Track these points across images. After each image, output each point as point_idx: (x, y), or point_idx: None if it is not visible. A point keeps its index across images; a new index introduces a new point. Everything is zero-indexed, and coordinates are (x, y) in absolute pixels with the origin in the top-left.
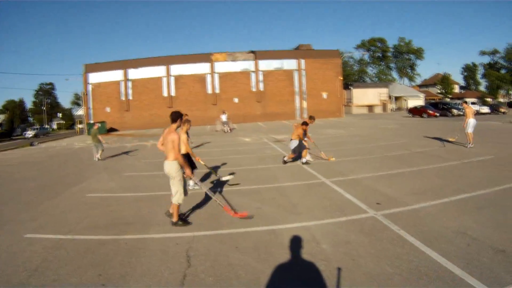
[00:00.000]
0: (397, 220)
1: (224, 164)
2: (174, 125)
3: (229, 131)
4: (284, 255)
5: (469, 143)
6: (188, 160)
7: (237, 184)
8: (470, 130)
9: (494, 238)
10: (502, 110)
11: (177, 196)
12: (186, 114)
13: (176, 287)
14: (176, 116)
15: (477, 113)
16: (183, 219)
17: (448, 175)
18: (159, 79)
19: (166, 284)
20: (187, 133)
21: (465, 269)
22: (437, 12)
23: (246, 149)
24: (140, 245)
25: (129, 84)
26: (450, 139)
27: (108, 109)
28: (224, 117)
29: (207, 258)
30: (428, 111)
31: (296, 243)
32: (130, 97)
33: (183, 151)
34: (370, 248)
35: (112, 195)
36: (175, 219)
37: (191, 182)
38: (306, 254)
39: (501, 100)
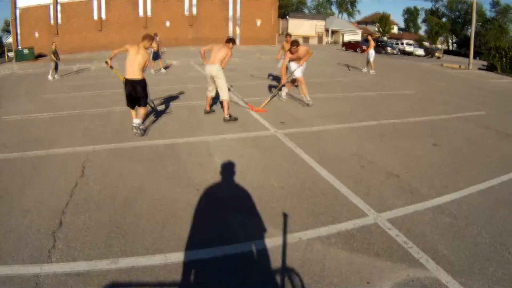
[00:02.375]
0: (296, 139)
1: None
2: (230, 44)
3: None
4: (175, 165)
5: (371, 70)
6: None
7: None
8: (371, 59)
9: (390, 164)
10: (437, 55)
11: (225, 93)
12: (156, 34)
13: (65, 195)
14: (229, 40)
15: (411, 54)
16: (231, 116)
17: (362, 103)
18: (89, 1)
19: (58, 192)
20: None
21: (352, 188)
22: None
23: (170, 71)
24: (43, 160)
25: (58, 7)
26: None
27: (36, 35)
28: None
29: (100, 169)
30: (362, 46)
31: (189, 155)
32: (60, 21)
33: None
34: (262, 162)
35: (27, 116)
36: (226, 114)
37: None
38: (197, 164)
39: (439, 46)
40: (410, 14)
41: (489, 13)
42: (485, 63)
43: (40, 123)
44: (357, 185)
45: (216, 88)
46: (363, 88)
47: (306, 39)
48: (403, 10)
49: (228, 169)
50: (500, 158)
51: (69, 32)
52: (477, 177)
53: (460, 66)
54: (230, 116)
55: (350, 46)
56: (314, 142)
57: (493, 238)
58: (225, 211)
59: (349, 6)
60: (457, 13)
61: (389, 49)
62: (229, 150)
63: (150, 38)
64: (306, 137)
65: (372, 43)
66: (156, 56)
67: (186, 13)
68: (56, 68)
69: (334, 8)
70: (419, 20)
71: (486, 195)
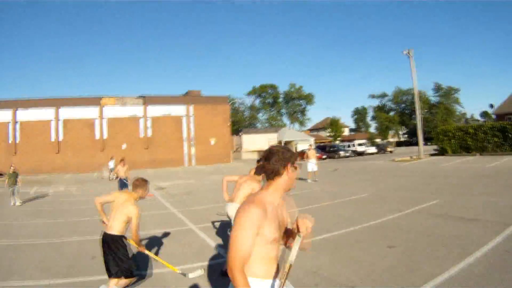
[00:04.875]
0: None
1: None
2: (259, 177)
3: (114, 178)
4: None
5: (309, 179)
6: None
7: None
8: (309, 169)
9: (345, 276)
10: (389, 149)
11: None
12: (122, 160)
13: None
14: (261, 170)
15: (364, 154)
16: None
17: (317, 215)
18: (47, 123)
19: None
20: None
21: None
22: (325, 58)
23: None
24: None
25: (17, 126)
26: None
27: None
28: (111, 163)
29: None
30: (316, 154)
31: None
32: (18, 140)
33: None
34: None
35: None
36: None
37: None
38: None
39: (391, 139)
40: (359, 114)
41: (434, 98)
42: (437, 147)
43: None
44: None
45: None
46: (318, 199)
47: (261, 152)
48: (352, 111)
49: None
50: (457, 244)
51: (27, 153)
52: (434, 271)
53: (411, 157)
54: None
55: (304, 154)
56: None
57: None
58: None
59: (299, 115)
60: (403, 104)
61: (341, 152)
62: None
63: (144, 185)
64: None
65: (313, 153)
66: (124, 185)
67: (142, 135)
68: (13, 193)
69: (285, 119)
70: (368, 118)
71: None
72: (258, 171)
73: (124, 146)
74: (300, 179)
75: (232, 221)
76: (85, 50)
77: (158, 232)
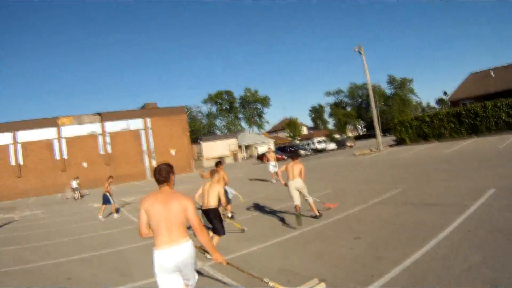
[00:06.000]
0: (223, 269)
1: (64, 235)
2: (298, 160)
3: (79, 197)
4: None
5: (273, 179)
6: None
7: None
8: (271, 170)
9: (316, 270)
10: (349, 144)
11: (310, 198)
12: (111, 176)
13: None
14: (296, 155)
15: (325, 151)
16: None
17: (282, 216)
18: (5, 147)
19: None
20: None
21: None
22: (278, 60)
23: (94, 215)
24: None
25: None
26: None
27: None
28: (74, 183)
29: None
30: (276, 155)
31: None
32: None
33: None
34: None
35: None
36: (317, 213)
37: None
38: None
39: (350, 134)
40: (317, 112)
41: (389, 90)
42: (395, 137)
43: None
44: None
45: (302, 196)
46: (283, 200)
47: (221, 159)
48: (309, 110)
49: None
50: (420, 229)
51: None
52: (400, 257)
53: (371, 150)
54: (319, 214)
55: (264, 157)
56: (241, 267)
57: None
58: None
59: (257, 118)
60: (359, 99)
61: (302, 151)
62: None
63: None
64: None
65: (272, 155)
66: (109, 200)
67: (102, 152)
68: None
69: (243, 124)
70: (326, 115)
71: (409, 273)
72: (295, 156)
73: (85, 165)
74: (265, 180)
75: (303, 189)
76: (37, 70)
77: (131, 247)
